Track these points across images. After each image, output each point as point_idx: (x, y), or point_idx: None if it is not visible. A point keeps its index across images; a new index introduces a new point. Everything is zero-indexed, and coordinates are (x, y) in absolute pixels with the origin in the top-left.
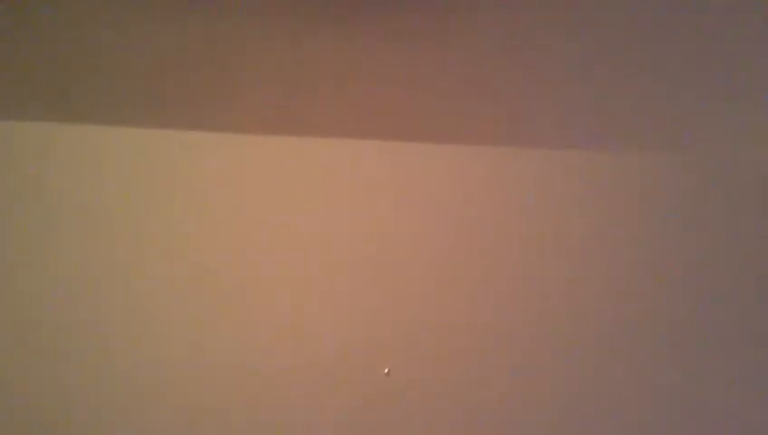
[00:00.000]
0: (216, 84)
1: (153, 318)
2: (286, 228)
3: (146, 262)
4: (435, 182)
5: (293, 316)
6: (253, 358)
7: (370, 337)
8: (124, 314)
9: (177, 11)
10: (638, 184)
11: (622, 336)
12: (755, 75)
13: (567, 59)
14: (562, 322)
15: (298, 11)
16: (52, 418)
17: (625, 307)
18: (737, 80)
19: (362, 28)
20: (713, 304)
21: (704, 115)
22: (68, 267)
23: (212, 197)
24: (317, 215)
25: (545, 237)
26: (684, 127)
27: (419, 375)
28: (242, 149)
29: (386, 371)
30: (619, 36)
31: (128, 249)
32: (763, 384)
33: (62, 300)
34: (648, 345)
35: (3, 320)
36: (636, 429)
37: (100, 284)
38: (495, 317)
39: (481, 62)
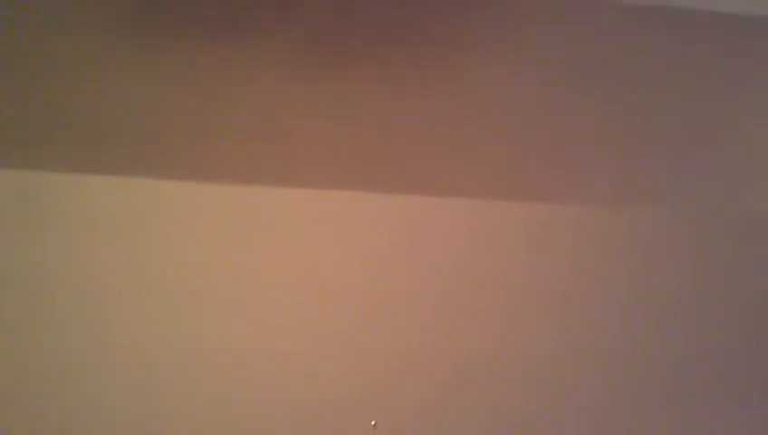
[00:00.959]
0: (201, 135)
1: (136, 364)
2: (271, 278)
3: (129, 318)
4: (424, 234)
5: (277, 367)
6: (236, 407)
7: (357, 388)
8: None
9: (162, 61)
10: (626, 237)
11: (610, 390)
12: (738, 125)
13: (558, 113)
14: (552, 375)
15: (282, 60)
16: None
17: (613, 360)
18: (720, 130)
19: (346, 77)
20: (703, 359)
21: (690, 166)
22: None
23: (190, 247)
24: (303, 266)
25: (534, 290)
26: (673, 179)
27: (407, 428)
28: (224, 199)
29: (372, 423)
30: (605, 91)
31: (107, 301)
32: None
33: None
34: (636, 406)
35: None
36: None
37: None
38: (483, 370)
39: (467, 115)
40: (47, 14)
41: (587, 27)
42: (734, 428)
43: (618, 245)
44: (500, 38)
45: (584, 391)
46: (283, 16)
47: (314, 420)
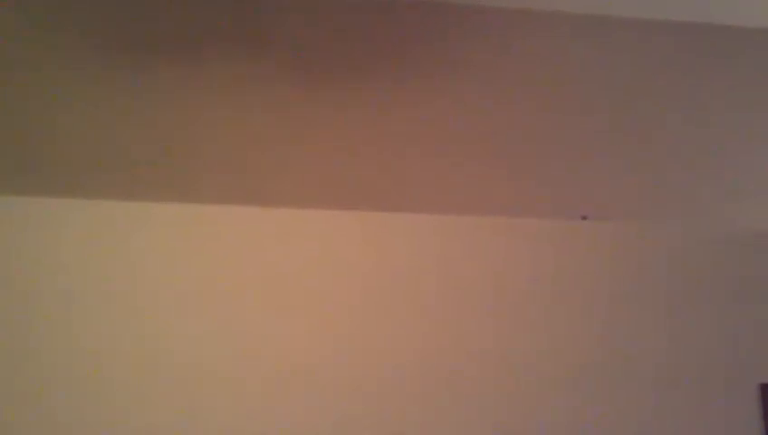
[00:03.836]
0: (187, 158)
1: (124, 377)
2: (268, 295)
3: (123, 332)
4: (419, 251)
5: (268, 393)
6: (246, 419)
7: (347, 410)
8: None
9: (149, 83)
10: (621, 250)
11: (606, 392)
12: (733, 139)
13: (548, 129)
14: (551, 392)
15: (268, 81)
16: None
17: (612, 369)
18: (720, 145)
19: (332, 97)
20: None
21: (687, 181)
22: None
23: (179, 267)
24: (293, 283)
25: (524, 302)
26: (672, 193)
27: None
28: (214, 219)
29: None
30: (600, 108)
31: (103, 328)
32: None
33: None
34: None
35: None
36: None
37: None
38: (472, 380)
39: (455, 131)
40: (34, 46)
41: (578, 42)
42: (737, 426)
43: (610, 257)
44: (487, 55)
45: (577, 397)
46: (266, 39)
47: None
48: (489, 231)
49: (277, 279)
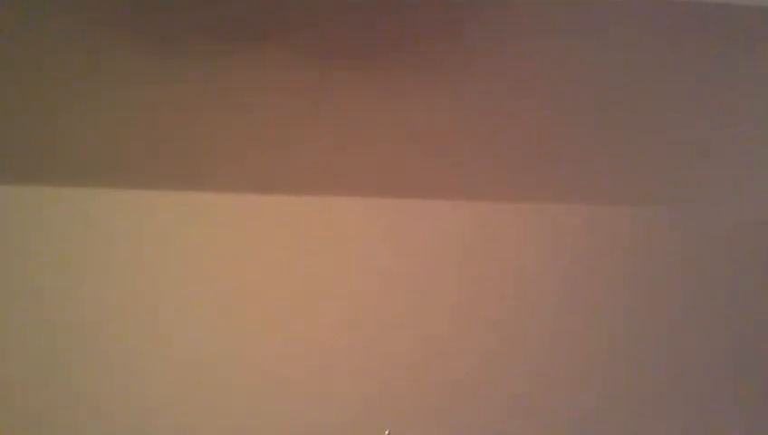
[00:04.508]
0: (197, 145)
1: (132, 369)
2: (279, 288)
3: (128, 324)
4: (433, 239)
5: (289, 378)
6: (250, 420)
7: (370, 398)
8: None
9: (158, 73)
10: (631, 237)
11: (612, 389)
12: (748, 125)
13: (557, 114)
14: (553, 371)
15: (279, 69)
16: None
17: (615, 359)
18: (732, 131)
19: (343, 85)
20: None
21: (699, 168)
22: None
23: (188, 255)
24: (314, 274)
25: (534, 289)
26: (680, 179)
27: (427, 430)
28: (224, 208)
29: (386, 432)
30: (609, 91)
31: (106, 310)
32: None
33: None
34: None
35: None
36: None
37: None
38: (496, 373)
39: (470, 117)
40: (44, 27)
41: (584, 27)
42: (740, 426)
43: (618, 245)
44: (507, 41)
45: (585, 389)
46: (281, 25)
47: (331, 432)
48: (509, 217)
49: (292, 266)
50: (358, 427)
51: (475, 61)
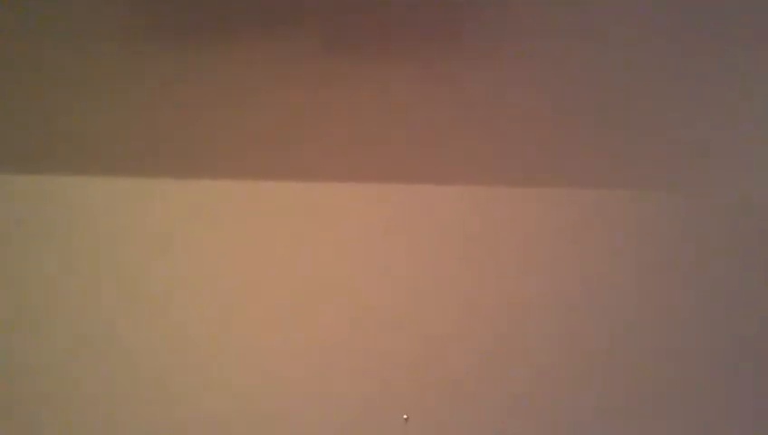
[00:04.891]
0: (202, 133)
1: (135, 363)
2: (297, 276)
3: (131, 316)
4: (445, 224)
5: (309, 364)
6: (268, 406)
7: (388, 383)
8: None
9: (164, 61)
10: (638, 222)
11: (615, 378)
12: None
13: (560, 99)
14: (555, 363)
15: (285, 60)
16: None
17: (627, 348)
18: (732, 131)
19: (350, 75)
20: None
21: (708, 154)
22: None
23: (192, 244)
24: (328, 262)
25: (536, 277)
26: (688, 166)
27: (439, 421)
28: (244, 196)
29: (405, 417)
30: (609, 91)
31: (118, 305)
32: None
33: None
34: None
35: None
36: None
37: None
38: (496, 373)
39: (475, 102)
40: (45, 20)
41: (584, 27)
42: (743, 421)
43: (619, 230)
44: (501, 42)
45: (589, 380)
46: (291, 17)
47: (349, 416)
48: (512, 202)
49: (293, 256)
50: (358, 427)
51: (495, 49)
